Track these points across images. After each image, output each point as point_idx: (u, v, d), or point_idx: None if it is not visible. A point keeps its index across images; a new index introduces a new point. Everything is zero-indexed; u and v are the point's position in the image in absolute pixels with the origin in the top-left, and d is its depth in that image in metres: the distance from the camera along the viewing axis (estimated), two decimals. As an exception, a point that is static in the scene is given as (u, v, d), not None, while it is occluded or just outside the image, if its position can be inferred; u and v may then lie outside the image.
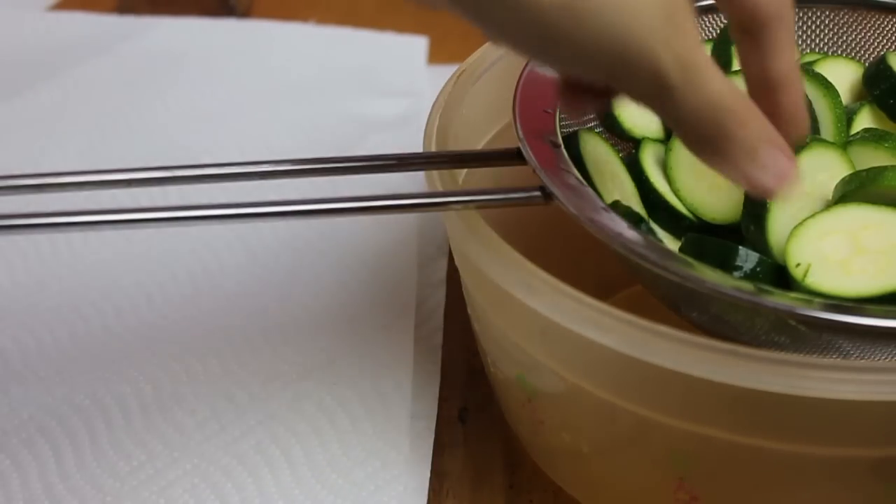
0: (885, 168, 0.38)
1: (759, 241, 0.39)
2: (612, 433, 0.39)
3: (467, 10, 0.30)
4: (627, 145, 0.45)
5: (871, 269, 0.36)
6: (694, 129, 0.31)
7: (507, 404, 0.45)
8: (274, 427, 0.47)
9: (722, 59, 0.46)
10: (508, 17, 0.29)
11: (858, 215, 0.37)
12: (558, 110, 0.41)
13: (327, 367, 0.50)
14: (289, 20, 0.78)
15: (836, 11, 0.48)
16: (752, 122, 0.32)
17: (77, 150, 0.65)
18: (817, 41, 0.48)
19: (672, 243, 0.41)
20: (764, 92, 0.34)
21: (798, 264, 0.36)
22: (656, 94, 0.30)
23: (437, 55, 0.73)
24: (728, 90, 0.31)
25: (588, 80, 0.33)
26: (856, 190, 0.38)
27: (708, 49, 0.46)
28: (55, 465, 0.45)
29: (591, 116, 0.44)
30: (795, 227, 0.37)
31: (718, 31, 0.47)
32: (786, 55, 0.34)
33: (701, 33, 0.32)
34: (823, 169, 0.39)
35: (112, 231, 0.57)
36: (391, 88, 0.70)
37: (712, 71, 0.31)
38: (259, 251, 0.57)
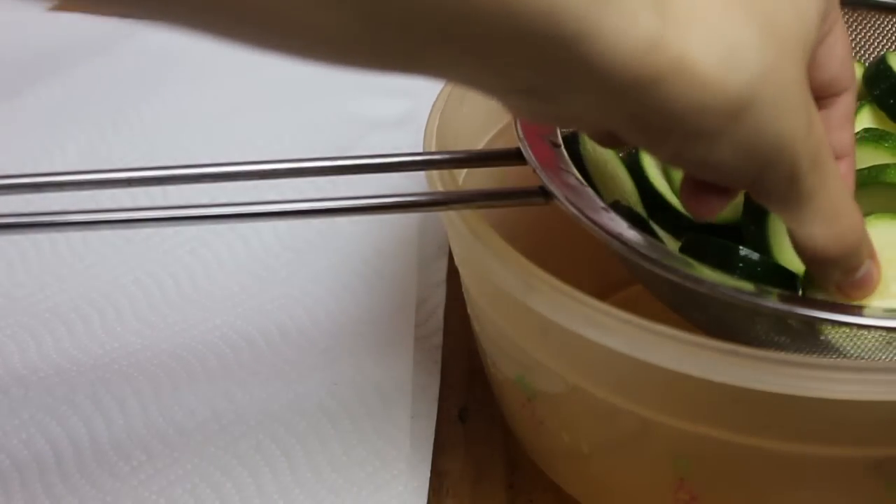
0: (886, 166, 0.38)
1: (759, 241, 0.39)
2: (612, 433, 0.39)
3: (623, 120, 0.27)
4: (627, 145, 0.45)
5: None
6: (808, 222, 0.31)
7: (507, 404, 0.45)
8: (274, 427, 0.47)
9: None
10: (669, 126, 0.27)
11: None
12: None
13: (327, 367, 0.50)
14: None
15: (837, 11, 0.48)
16: (860, 230, 0.33)
17: (77, 150, 0.65)
18: (817, 41, 0.48)
19: (672, 243, 0.41)
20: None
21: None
22: (789, 192, 0.30)
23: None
24: (846, 191, 0.32)
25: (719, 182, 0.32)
26: (857, 188, 0.38)
27: None
28: (55, 465, 0.45)
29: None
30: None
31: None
32: (850, 127, 0.35)
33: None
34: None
35: (112, 231, 0.57)
36: (391, 88, 0.70)
37: (834, 166, 0.31)
38: (259, 251, 0.57)
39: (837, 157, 0.35)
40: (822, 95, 0.35)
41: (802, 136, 0.29)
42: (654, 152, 0.30)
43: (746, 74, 0.26)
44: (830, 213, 0.31)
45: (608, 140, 0.35)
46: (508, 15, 0.22)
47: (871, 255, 0.34)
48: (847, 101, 0.35)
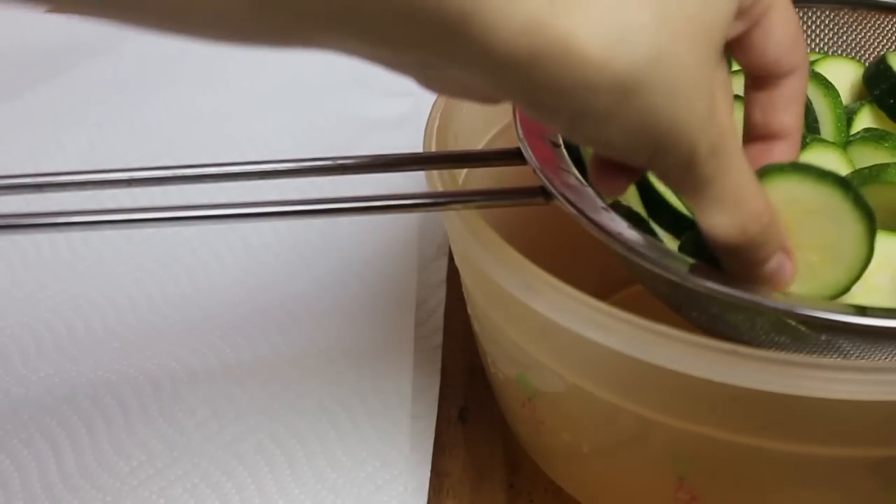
0: (886, 165, 0.38)
1: None
2: (612, 433, 0.39)
3: (517, 97, 0.28)
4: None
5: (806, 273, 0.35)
6: (711, 209, 0.31)
7: (507, 404, 0.45)
8: (274, 427, 0.47)
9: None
10: (557, 103, 0.27)
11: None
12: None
13: (327, 367, 0.50)
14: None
15: (836, 11, 0.48)
16: (769, 220, 0.32)
17: (77, 150, 0.65)
18: (817, 41, 0.48)
19: (672, 243, 0.41)
20: (762, 139, 0.35)
21: None
22: (686, 177, 0.30)
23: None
24: (751, 180, 0.31)
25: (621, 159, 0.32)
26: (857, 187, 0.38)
27: None
28: (55, 465, 0.45)
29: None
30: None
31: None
32: (795, 109, 0.35)
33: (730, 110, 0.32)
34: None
35: (112, 231, 0.57)
36: (391, 88, 0.70)
37: (738, 156, 0.31)
38: (259, 251, 0.57)
39: (778, 138, 0.35)
40: (765, 76, 0.34)
41: (700, 121, 0.29)
42: (550, 124, 0.30)
43: (634, 56, 0.26)
44: (731, 202, 0.31)
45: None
46: None
47: (784, 248, 0.33)
48: (793, 83, 0.35)
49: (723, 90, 0.30)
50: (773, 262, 0.33)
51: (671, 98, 0.27)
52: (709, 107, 0.29)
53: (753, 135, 0.36)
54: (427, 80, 0.30)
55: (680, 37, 0.27)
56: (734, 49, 0.34)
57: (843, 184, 0.34)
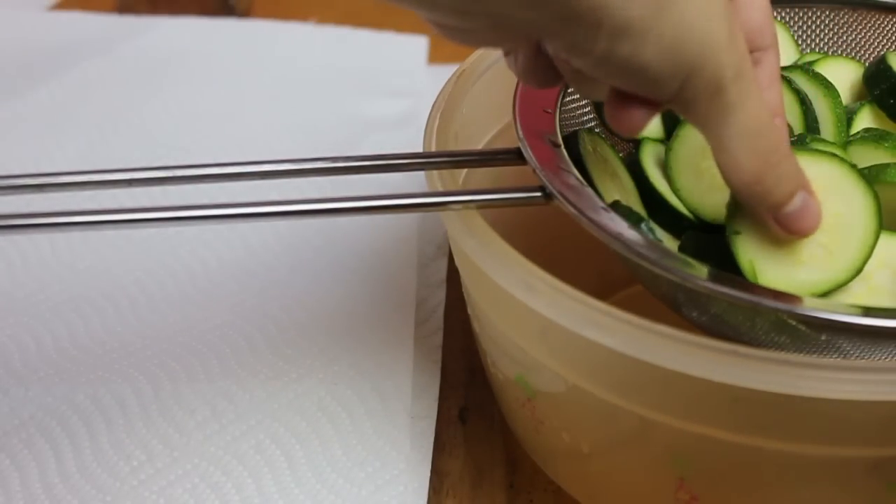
0: (886, 165, 0.38)
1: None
2: (612, 433, 0.39)
3: (556, 14, 0.28)
4: (627, 145, 0.45)
5: (821, 255, 0.35)
6: (740, 145, 0.32)
7: (507, 404, 0.45)
8: (274, 427, 0.47)
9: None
10: (598, 16, 0.28)
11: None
12: (558, 110, 0.41)
13: (327, 367, 0.50)
14: (289, 20, 0.78)
15: (836, 11, 0.48)
16: (791, 172, 0.33)
17: (77, 150, 0.65)
18: (817, 41, 0.48)
19: (672, 243, 0.41)
20: None
21: (749, 261, 0.36)
22: (712, 103, 0.31)
23: (437, 55, 0.73)
24: (773, 124, 0.32)
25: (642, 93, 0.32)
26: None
27: None
28: (55, 465, 0.45)
29: (592, 116, 0.44)
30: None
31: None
32: (777, 87, 0.36)
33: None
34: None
35: (112, 231, 0.57)
36: (391, 88, 0.70)
37: (755, 81, 0.31)
38: (259, 251, 0.57)
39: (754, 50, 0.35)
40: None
41: (726, 43, 0.29)
42: (583, 56, 0.30)
43: None
44: (753, 130, 0.32)
45: (542, 72, 0.34)
46: None
47: (805, 187, 0.33)
48: (771, 59, 0.36)
49: (735, 17, 0.31)
50: (798, 200, 0.33)
51: (703, 14, 0.28)
52: (731, 29, 0.30)
53: None
54: (462, 20, 0.30)
55: None
56: None
57: (850, 163, 0.35)
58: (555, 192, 0.36)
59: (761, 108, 0.32)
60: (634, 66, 0.29)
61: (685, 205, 0.42)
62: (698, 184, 0.41)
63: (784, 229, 0.34)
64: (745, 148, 0.32)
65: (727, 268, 0.37)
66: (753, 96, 0.31)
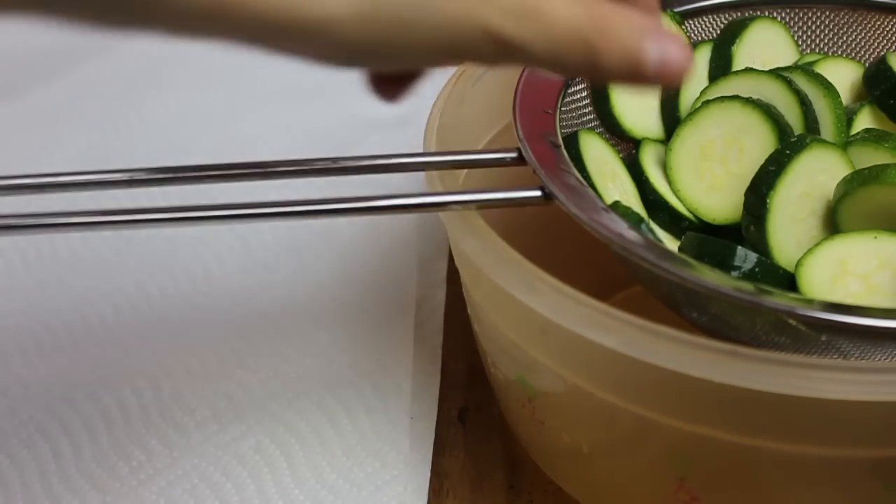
0: (887, 166, 0.38)
1: (758, 241, 0.39)
2: (612, 433, 0.39)
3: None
4: (627, 145, 0.45)
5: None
6: (566, 63, 0.28)
7: (507, 404, 0.45)
8: (274, 427, 0.47)
9: (722, 59, 0.46)
10: (309, 41, 0.28)
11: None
12: (559, 110, 0.41)
13: (327, 367, 0.50)
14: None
15: (836, 11, 0.48)
16: (618, 22, 0.28)
17: (77, 150, 0.65)
18: (817, 41, 0.48)
19: (672, 243, 0.41)
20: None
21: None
22: (508, 53, 0.28)
23: (436, 55, 0.73)
24: (579, 8, 0.28)
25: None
26: (857, 187, 0.38)
27: (707, 50, 0.46)
28: (55, 465, 0.45)
29: (592, 116, 0.44)
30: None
31: (718, 32, 0.47)
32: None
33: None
34: (823, 169, 0.39)
35: (112, 231, 0.57)
36: (391, 89, 0.70)
37: (553, 4, 0.28)
38: (259, 251, 0.57)
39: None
40: None
41: (485, 3, 0.27)
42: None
43: None
44: (576, 39, 0.28)
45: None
46: None
47: (651, 30, 0.28)
48: None
49: None
50: (652, 47, 0.28)
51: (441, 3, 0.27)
52: None
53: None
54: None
55: None
56: None
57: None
58: (555, 192, 0.36)
59: (560, 19, 0.28)
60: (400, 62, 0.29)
61: (685, 205, 0.42)
62: (698, 184, 0.42)
63: (657, 82, 0.29)
64: (569, 63, 0.28)
65: (726, 268, 0.37)
66: (554, 21, 0.28)
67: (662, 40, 0.29)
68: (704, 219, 0.42)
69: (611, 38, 0.28)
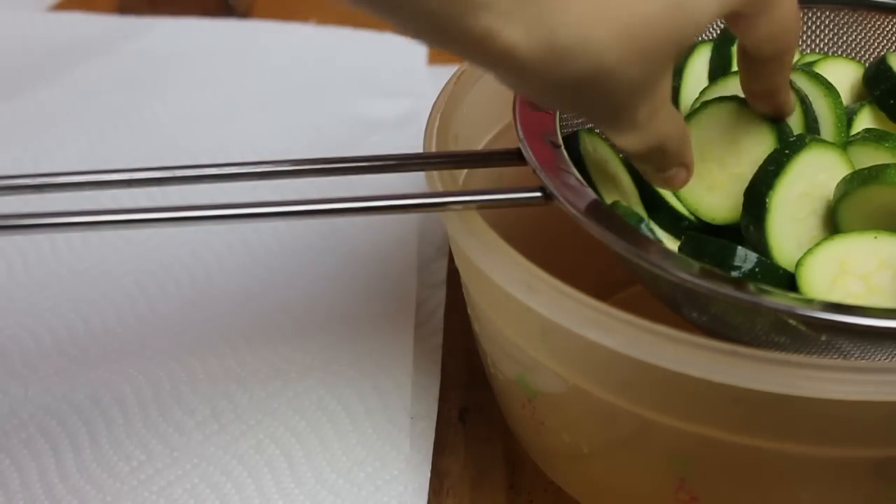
0: (887, 166, 0.38)
1: (758, 241, 0.39)
2: (613, 433, 0.39)
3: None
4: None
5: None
6: (638, 161, 0.38)
7: (507, 404, 0.45)
8: (274, 427, 0.47)
9: (722, 59, 0.46)
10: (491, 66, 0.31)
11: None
12: (558, 110, 0.41)
13: (327, 367, 0.50)
14: (289, 20, 0.78)
15: (836, 11, 0.48)
16: (684, 150, 0.37)
17: (77, 150, 0.65)
18: (817, 41, 0.48)
19: (672, 243, 0.41)
20: (759, 97, 0.40)
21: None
22: (600, 126, 0.36)
23: (437, 55, 0.73)
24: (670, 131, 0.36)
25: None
26: (857, 187, 0.38)
27: (707, 49, 0.46)
28: (55, 465, 0.45)
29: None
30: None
31: (719, 32, 0.47)
32: (784, 74, 0.39)
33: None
34: (823, 169, 0.39)
35: (112, 231, 0.57)
36: (391, 89, 0.70)
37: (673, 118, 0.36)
38: (259, 251, 0.57)
39: (772, 95, 0.39)
40: (759, 58, 0.37)
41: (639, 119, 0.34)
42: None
43: (579, 66, 0.31)
44: (649, 151, 0.36)
45: None
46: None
47: (684, 164, 0.38)
48: (783, 61, 0.38)
49: (666, 83, 0.34)
50: (671, 172, 0.38)
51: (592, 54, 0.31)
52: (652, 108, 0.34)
53: (751, 96, 0.40)
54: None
55: (635, 52, 0.31)
56: (733, 24, 0.36)
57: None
58: (555, 192, 0.36)
59: (664, 126, 0.35)
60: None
61: (685, 205, 0.42)
62: (697, 184, 0.42)
63: (652, 180, 0.39)
64: (635, 144, 0.36)
65: (726, 268, 0.37)
66: (661, 123, 0.35)
67: (685, 170, 0.38)
68: (704, 219, 0.42)
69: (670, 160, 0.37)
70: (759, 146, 0.41)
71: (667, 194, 0.42)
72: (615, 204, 0.39)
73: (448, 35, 0.30)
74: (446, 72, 0.45)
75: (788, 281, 0.38)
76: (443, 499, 0.45)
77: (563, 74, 0.31)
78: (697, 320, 0.37)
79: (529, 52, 0.30)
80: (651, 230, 0.40)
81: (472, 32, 0.29)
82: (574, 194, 0.36)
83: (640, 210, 0.41)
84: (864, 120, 0.44)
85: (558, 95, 0.32)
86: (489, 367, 0.44)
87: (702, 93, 0.44)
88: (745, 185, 0.40)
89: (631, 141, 0.35)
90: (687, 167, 0.38)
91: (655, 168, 0.38)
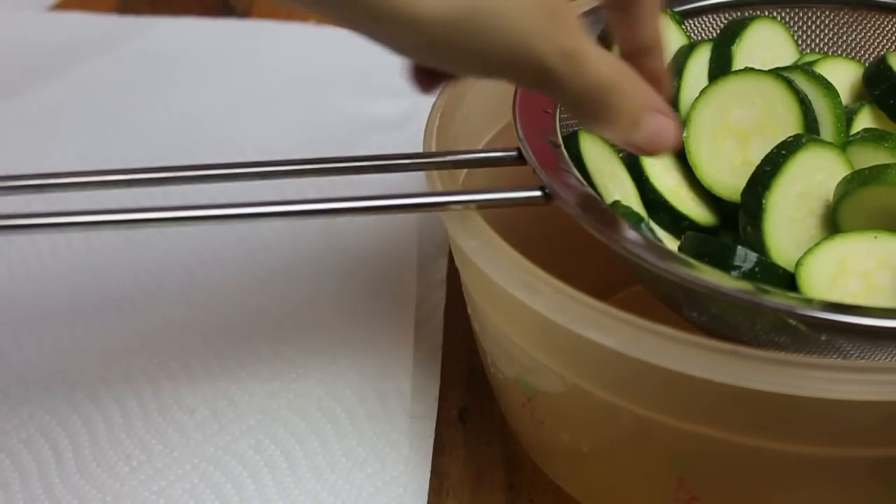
0: (887, 166, 0.38)
1: (756, 241, 0.39)
2: (612, 433, 0.39)
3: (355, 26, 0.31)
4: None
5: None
6: (583, 108, 0.33)
7: (507, 404, 0.45)
8: (274, 427, 0.47)
9: (721, 59, 0.46)
10: (393, 32, 0.30)
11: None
12: (558, 110, 0.41)
13: (327, 367, 0.50)
14: (288, 20, 0.78)
15: (836, 11, 0.48)
16: (633, 93, 0.34)
17: (77, 150, 0.65)
18: (817, 41, 0.48)
19: (672, 243, 0.41)
20: (633, 59, 0.37)
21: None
22: (545, 82, 0.32)
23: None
24: (610, 69, 0.33)
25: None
26: (858, 188, 0.38)
27: (707, 49, 0.46)
28: (55, 465, 0.45)
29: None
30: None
31: (718, 32, 0.47)
32: (651, 24, 0.37)
33: (582, 25, 0.34)
34: (820, 169, 0.39)
35: (112, 231, 0.57)
36: (391, 88, 0.70)
37: (595, 55, 0.32)
38: (259, 252, 0.57)
39: (644, 52, 0.37)
40: (618, 3, 0.37)
41: (545, 34, 0.31)
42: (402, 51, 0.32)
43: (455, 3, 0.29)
44: (588, 98, 0.33)
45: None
46: None
47: (654, 107, 0.34)
48: (642, 1, 0.37)
49: (566, 8, 0.32)
50: (647, 119, 0.34)
51: (504, 19, 0.30)
52: (548, 20, 0.31)
53: (628, 58, 0.37)
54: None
55: None
56: None
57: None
58: (555, 192, 0.36)
59: (596, 70, 0.33)
60: (453, 64, 0.32)
61: (698, 174, 0.42)
62: (715, 158, 0.42)
63: (637, 151, 0.36)
64: (581, 105, 0.33)
65: (726, 268, 0.37)
66: (592, 66, 0.32)
67: (660, 119, 0.34)
68: (717, 193, 0.42)
69: (622, 105, 0.34)
70: (784, 133, 0.41)
71: (667, 194, 0.42)
72: (615, 204, 0.39)
73: None
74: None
75: (788, 281, 0.38)
76: (443, 499, 0.45)
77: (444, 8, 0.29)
78: (697, 320, 0.37)
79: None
80: (651, 230, 0.40)
81: None
82: (574, 194, 0.36)
83: (640, 210, 0.41)
84: (864, 120, 0.44)
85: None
86: (489, 366, 0.44)
87: (701, 93, 0.44)
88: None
89: (565, 94, 0.33)
90: (661, 111, 0.35)
91: (623, 126, 0.34)
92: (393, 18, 0.29)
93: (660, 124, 0.34)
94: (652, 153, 0.35)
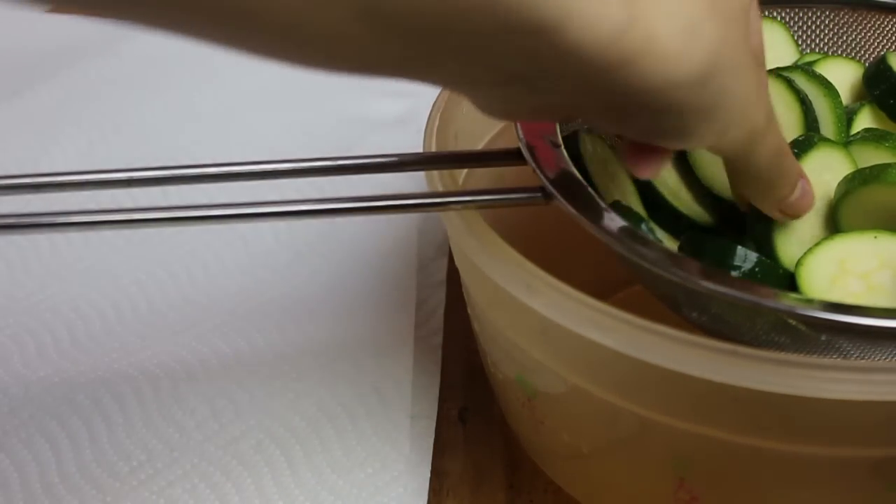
0: (887, 165, 0.38)
1: (764, 239, 0.39)
2: (612, 433, 0.38)
3: (598, 105, 0.29)
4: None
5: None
6: (768, 173, 0.35)
7: (507, 404, 0.45)
8: (274, 427, 0.47)
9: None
10: (640, 103, 0.28)
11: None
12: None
13: (327, 367, 0.50)
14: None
15: (836, 11, 0.48)
16: (792, 156, 0.35)
17: (77, 150, 0.65)
18: (817, 41, 0.48)
19: (672, 243, 0.41)
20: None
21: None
22: (748, 145, 0.32)
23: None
24: (780, 145, 0.34)
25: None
26: (858, 187, 0.38)
27: None
28: (55, 465, 0.45)
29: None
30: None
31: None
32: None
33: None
34: (828, 168, 0.40)
35: (112, 231, 0.57)
36: (391, 88, 0.70)
37: (776, 136, 0.34)
38: (259, 252, 0.57)
39: None
40: None
41: (757, 93, 0.31)
42: (624, 130, 0.31)
43: (707, 44, 0.27)
44: (774, 155, 0.34)
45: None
46: (494, 6, 0.23)
47: (802, 175, 0.36)
48: None
49: (761, 64, 0.32)
50: (798, 189, 0.36)
51: (736, 76, 0.29)
52: (760, 80, 0.31)
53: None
54: (506, 102, 0.29)
55: (730, 22, 0.29)
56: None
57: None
58: (555, 192, 0.36)
59: (780, 137, 0.34)
60: (674, 133, 0.30)
61: (708, 182, 0.42)
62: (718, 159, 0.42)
63: (786, 216, 0.37)
64: (765, 169, 0.34)
65: (725, 268, 0.37)
66: (775, 130, 0.33)
67: (805, 180, 0.36)
68: (717, 193, 0.42)
69: (791, 169, 0.35)
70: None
71: (667, 194, 0.42)
72: (615, 204, 0.39)
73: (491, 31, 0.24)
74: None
75: (788, 281, 0.38)
76: (443, 499, 0.45)
77: (699, 57, 0.27)
78: (697, 320, 0.37)
79: (671, 36, 0.26)
80: (651, 230, 0.40)
81: (604, 28, 0.25)
82: (574, 194, 0.36)
83: (640, 210, 0.41)
84: (864, 119, 0.44)
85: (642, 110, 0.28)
86: (489, 366, 0.44)
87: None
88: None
89: (760, 156, 0.33)
90: (804, 176, 0.36)
91: (783, 185, 0.35)
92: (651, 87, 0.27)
93: (805, 185, 0.36)
94: (800, 215, 0.37)
